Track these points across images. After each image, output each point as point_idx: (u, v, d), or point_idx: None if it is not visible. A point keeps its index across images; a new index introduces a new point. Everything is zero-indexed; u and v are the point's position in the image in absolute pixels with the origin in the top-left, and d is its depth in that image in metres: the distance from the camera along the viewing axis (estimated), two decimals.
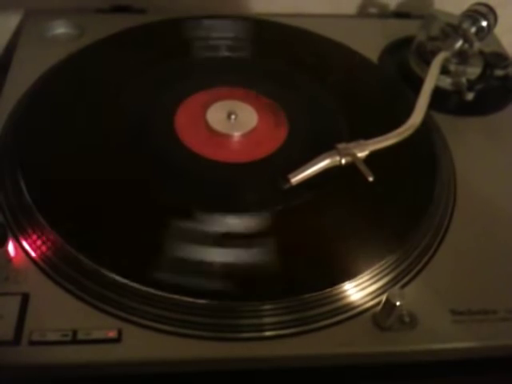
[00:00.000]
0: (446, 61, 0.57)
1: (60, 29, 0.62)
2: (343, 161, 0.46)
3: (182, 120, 0.52)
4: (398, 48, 0.64)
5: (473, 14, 0.58)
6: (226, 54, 0.60)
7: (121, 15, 0.64)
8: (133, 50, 0.59)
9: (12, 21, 0.66)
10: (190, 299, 0.39)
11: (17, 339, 0.37)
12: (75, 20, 0.62)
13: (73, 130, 0.50)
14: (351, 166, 0.46)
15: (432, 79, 0.54)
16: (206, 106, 0.52)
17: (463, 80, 0.57)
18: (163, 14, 0.63)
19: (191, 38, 0.61)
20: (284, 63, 0.59)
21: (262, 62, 0.59)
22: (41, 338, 0.37)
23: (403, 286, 0.43)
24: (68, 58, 0.57)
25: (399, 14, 0.70)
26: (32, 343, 0.37)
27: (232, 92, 0.55)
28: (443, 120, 0.56)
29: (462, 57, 0.58)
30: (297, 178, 0.45)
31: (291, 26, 0.63)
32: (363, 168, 0.46)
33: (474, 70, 0.58)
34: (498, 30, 0.61)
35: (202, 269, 0.41)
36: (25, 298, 0.39)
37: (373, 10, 0.72)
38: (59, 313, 0.39)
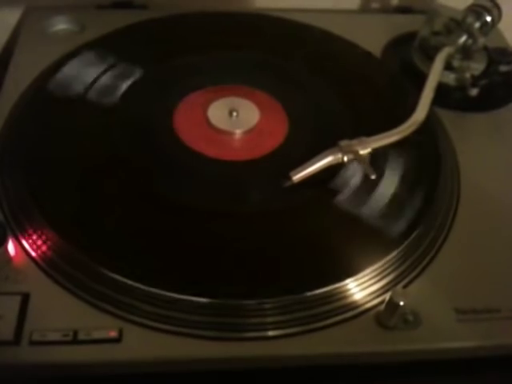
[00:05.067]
0: (450, 56, 0.57)
1: (61, 25, 0.61)
2: (345, 158, 0.46)
3: (183, 118, 0.52)
4: (401, 43, 0.63)
5: (477, 9, 0.57)
6: (227, 50, 0.59)
7: (122, 11, 0.64)
8: (133, 46, 0.58)
9: (12, 17, 0.65)
10: (192, 298, 0.39)
11: (17, 339, 0.37)
12: (76, 16, 0.62)
13: (74, 128, 0.50)
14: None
15: (436, 75, 0.54)
16: (206, 104, 0.52)
17: (467, 76, 0.57)
18: (164, 10, 0.62)
19: (191, 35, 0.60)
20: (285, 59, 0.59)
21: (262, 59, 0.59)
22: (41, 338, 0.37)
23: (406, 285, 0.42)
24: (69, 55, 0.56)
25: (401, 9, 0.70)
26: (32, 343, 0.37)
27: (233, 89, 0.54)
28: (447, 116, 0.56)
29: (466, 52, 0.58)
30: (299, 175, 0.45)
31: (292, 21, 0.63)
32: (366, 166, 0.46)
33: (477, 66, 0.58)
34: (501, 26, 0.60)
35: (204, 267, 0.41)
36: (25, 298, 0.39)
37: (375, 5, 0.71)
38: (60, 312, 0.39)
